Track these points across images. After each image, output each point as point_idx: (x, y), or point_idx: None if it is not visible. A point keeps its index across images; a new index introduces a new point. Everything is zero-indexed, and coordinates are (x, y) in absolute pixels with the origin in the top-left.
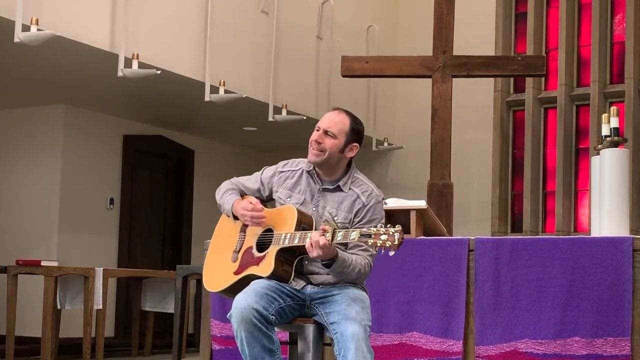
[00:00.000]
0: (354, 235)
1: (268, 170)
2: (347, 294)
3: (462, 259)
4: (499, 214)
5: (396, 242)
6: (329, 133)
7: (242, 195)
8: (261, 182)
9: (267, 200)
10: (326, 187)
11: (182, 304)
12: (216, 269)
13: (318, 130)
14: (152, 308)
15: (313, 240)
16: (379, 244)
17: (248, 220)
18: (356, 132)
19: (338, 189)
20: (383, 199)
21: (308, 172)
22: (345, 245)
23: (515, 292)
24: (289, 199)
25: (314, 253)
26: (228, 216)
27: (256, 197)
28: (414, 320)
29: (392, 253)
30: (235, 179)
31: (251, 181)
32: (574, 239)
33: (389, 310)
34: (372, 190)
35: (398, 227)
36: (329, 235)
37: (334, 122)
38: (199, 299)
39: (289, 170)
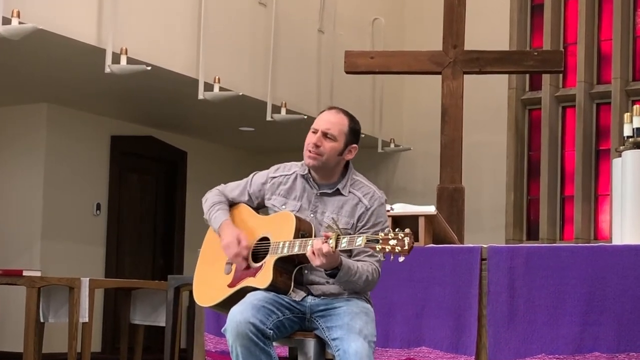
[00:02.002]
0: (360, 241)
1: (258, 176)
2: (349, 306)
3: (474, 268)
4: (513, 221)
5: (406, 247)
6: (328, 135)
7: (232, 205)
8: (251, 189)
9: (259, 208)
10: (324, 191)
11: (174, 316)
12: (208, 282)
13: (315, 132)
14: (141, 321)
15: (315, 247)
16: (387, 250)
17: (229, 256)
18: (355, 133)
19: (337, 192)
20: (386, 200)
21: (303, 176)
22: (350, 252)
23: (531, 304)
24: (284, 207)
25: (316, 262)
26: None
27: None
28: (423, 335)
29: (401, 259)
30: (222, 188)
31: (240, 188)
32: (594, 247)
33: (396, 323)
34: (374, 192)
35: (408, 231)
36: (332, 242)
37: (332, 122)
38: (192, 311)
39: (281, 175)
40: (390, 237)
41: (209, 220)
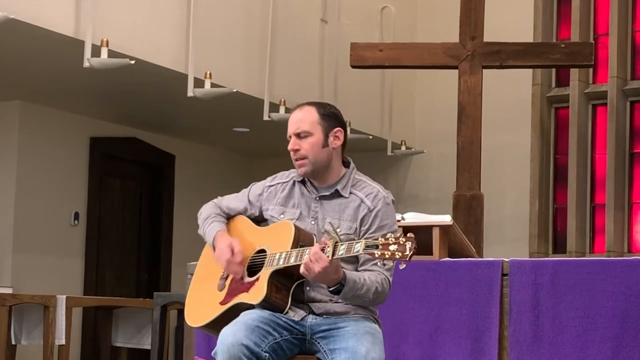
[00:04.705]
0: (358, 247)
1: (256, 188)
2: (355, 327)
3: (494, 285)
4: (538, 232)
5: (407, 252)
6: (301, 135)
7: (230, 218)
8: (249, 200)
9: (258, 221)
10: (323, 194)
11: (161, 338)
12: (200, 300)
13: (290, 138)
14: (124, 343)
15: (313, 253)
16: (387, 256)
17: (222, 266)
18: (329, 116)
19: (337, 194)
20: (393, 201)
21: (299, 181)
22: (357, 262)
23: (557, 324)
24: (282, 216)
25: (316, 268)
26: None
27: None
28: (437, 358)
29: (402, 266)
30: (218, 200)
31: (237, 200)
32: (627, 260)
33: (407, 345)
34: (378, 192)
35: (410, 235)
36: (329, 250)
37: (299, 119)
38: (181, 332)
39: (278, 183)
40: (390, 241)
41: (203, 234)
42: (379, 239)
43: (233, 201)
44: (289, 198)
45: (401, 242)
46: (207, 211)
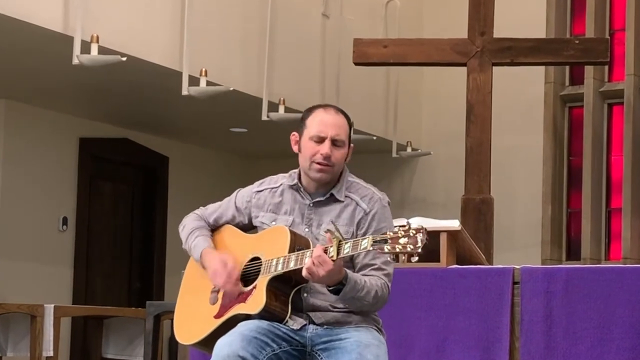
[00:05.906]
0: (366, 243)
1: (242, 194)
2: (358, 338)
3: (505, 293)
4: (551, 238)
5: (419, 244)
6: (337, 143)
7: (214, 230)
8: (236, 207)
9: (247, 229)
10: (317, 199)
11: (154, 350)
12: (191, 315)
13: (321, 141)
14: (115, 355)
15: (315, 255)
16: (398, 250)
17: (218, 287)
18: (351, 130)
19: (332, 198)
20: (389, 202)
21: (291, 186)
22: (352, 267)
23: (571, 334)
24: (274, 223)
25: (320, 271)
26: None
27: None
28: None
29: (415, 259)
30: (200, 211)
31: (223, 209)
32: None
33: (413, 357)
34: (374, 194)
35: (419, 226)
36: (333, 250)
37: (340, 126)
38: (175, 343)
39: (267, 189)
40: (400, 234)
41: (188, 249)
42: (387, 233)
43: (218, 210)
44: (281, 205)
45: (412, 234)
46: (190, 224)
